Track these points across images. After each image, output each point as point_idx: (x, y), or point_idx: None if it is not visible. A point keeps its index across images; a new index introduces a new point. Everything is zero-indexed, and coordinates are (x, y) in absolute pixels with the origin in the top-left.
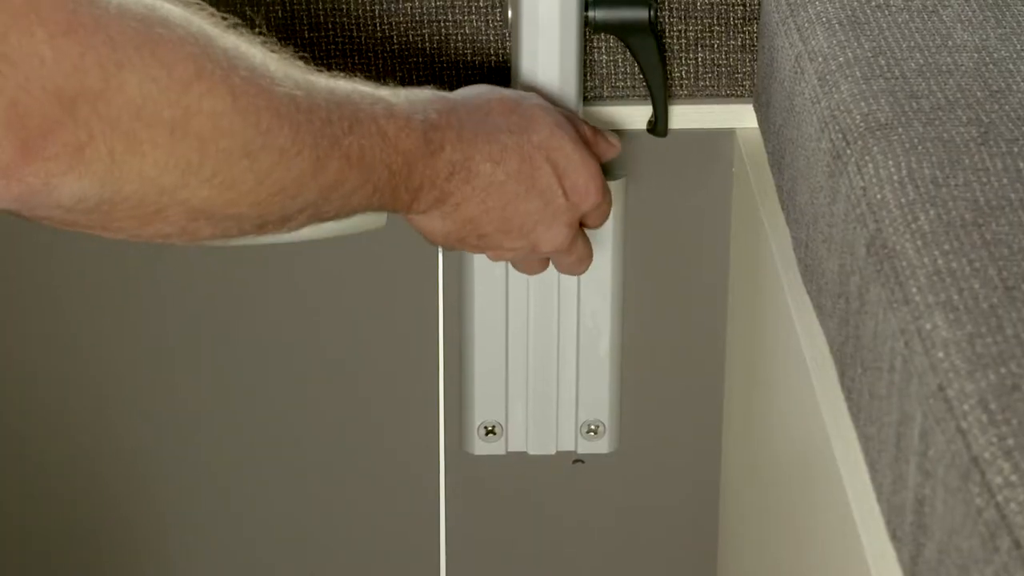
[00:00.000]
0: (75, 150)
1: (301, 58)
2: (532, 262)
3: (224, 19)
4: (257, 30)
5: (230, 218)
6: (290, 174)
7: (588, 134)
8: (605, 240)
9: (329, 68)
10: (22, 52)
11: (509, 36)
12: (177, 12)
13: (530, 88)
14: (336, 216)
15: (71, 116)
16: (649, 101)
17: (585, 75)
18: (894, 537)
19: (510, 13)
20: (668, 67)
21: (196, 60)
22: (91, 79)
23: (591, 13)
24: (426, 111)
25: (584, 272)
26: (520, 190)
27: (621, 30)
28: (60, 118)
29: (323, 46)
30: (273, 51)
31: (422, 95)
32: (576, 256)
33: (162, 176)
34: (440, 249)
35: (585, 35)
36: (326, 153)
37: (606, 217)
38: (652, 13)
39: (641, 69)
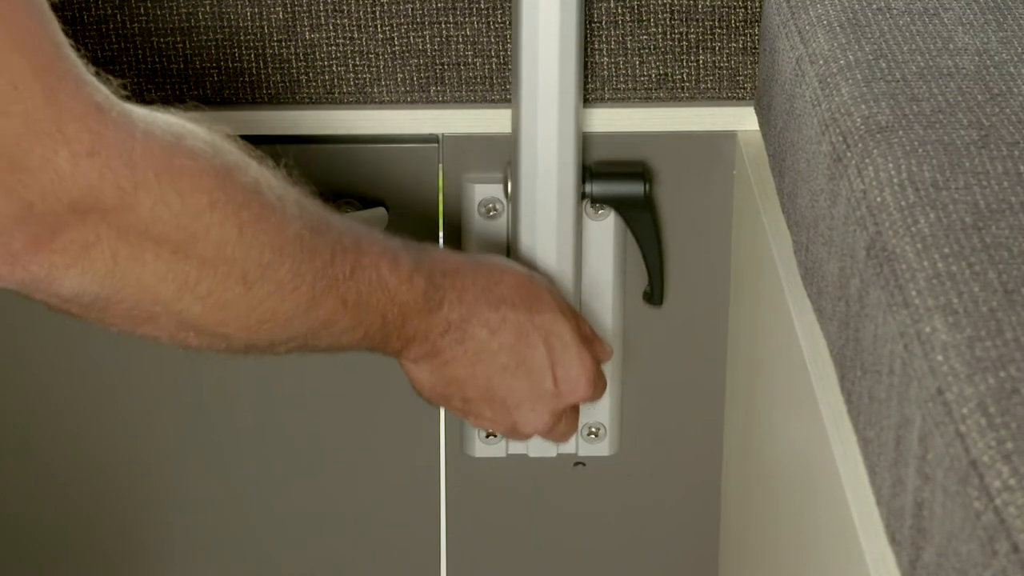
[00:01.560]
0: (81, 248)
1: (303, 60)
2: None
3: (251, 150)
4: (283, 164)
5: (219, 336)
6: (283, 307)
7: (588, 332)
8: (606, 243)
9: (330, 70)
10: (43, 166)
11: (510, 38)
12: (202, 143)
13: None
14: (325, 350)
15: (82, 220)
16: (649, 105)
17: (586, 77)
18: (893, 540)
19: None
20: (669, 69)
21: (212, 193)
22: (107, 196)
23: (588, 187)
24: (432, 269)
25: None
26: (511, 364)
27: (617, 203)
28: (71, 221)
29: (324, 47)
30: (292, 186)
31: (433, 252)
32: (555, 436)
33: (159, 287)
34: (441, 246)
35: (586, 39)
36: (322, 293)
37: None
38: (647, 187)
39: (637, 240)
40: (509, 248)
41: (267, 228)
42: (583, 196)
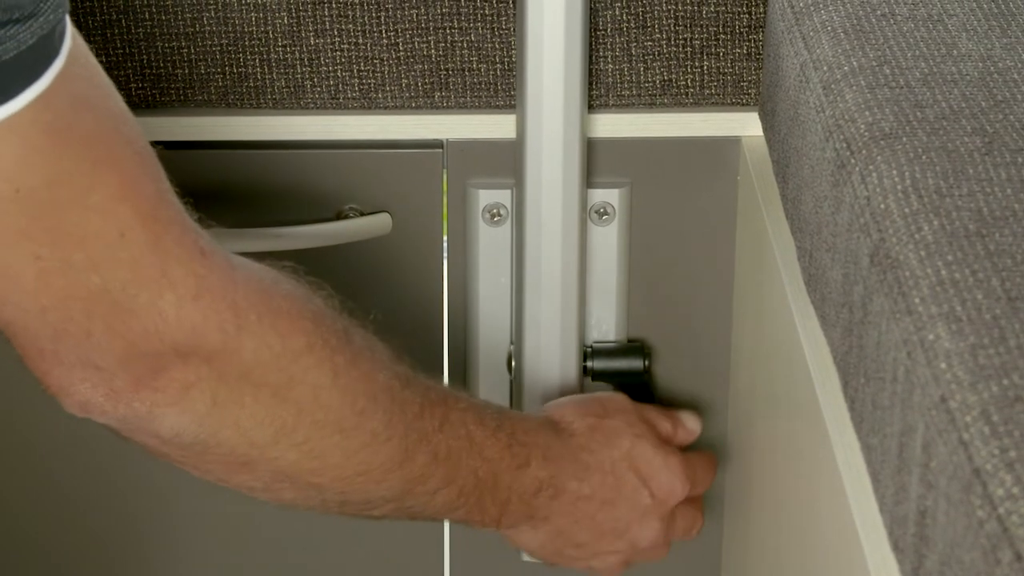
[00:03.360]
0: (182, 388)
1: (307, 66)
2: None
3: (340, 303)
4: (371, 318)
5: (313, 487)
6: (377, 458)
7: (668, 430)
8: (610, 248)
9: (335, 75)
10: (149, 310)
11: (515, 44)
12: (299, 290)
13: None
14: (420, 516)
15: (184, 361)
16: (654, 111)
17: (590, 83)
18: (896, 548)
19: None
20: (674, 75)
21: (308, 335)
22: (210, 339)
23: (590, 363)
24: (513, 426)
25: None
26: (607, 499)
27: (618, 378)
28: (174, 362)
29: (329, 52)
30: (379, 342)
31: (511, 412)
32: (679, 535)
33: (256, 430)
34: (445, 256)
35: (590, 45)
36: (415, 445)
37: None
38: (646, 363)
39: None
40: (514, 253)
41: (360, 375)
42: (585, 372)
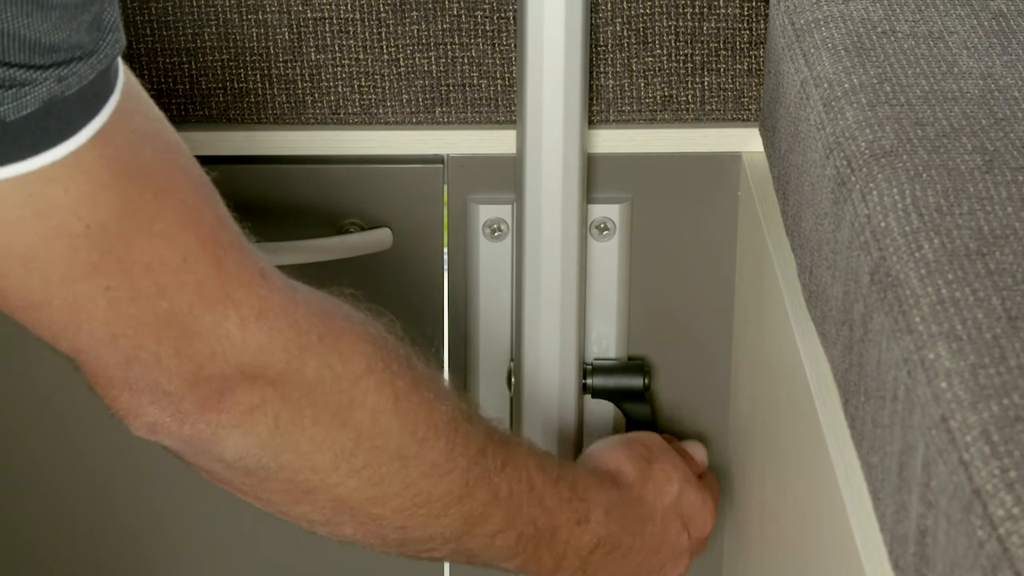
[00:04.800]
0: (247, 409)
1: (308, 81)
2: None
3: (403, 330)
4: (434, 351)
5: (372, 519)
6: (437, 490)
7: (700, 466)
8: (610, 263)
9: (336, 90)
10: (215, 332)
11: (515, 60)
12: (358, 314)
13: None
14: (477, 560)
15: (250, 383)
16: (654, 126)
17: (591, 98)
18: (896, 567)
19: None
20: (674, 91)
21: (368, 358)
22: (275, 360)
23: (589, 380)
24: (575, 478)
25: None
26: (653, 547)
27: (617, 395)
28: (240, 383)
29: (330, 68)
30: (442, 376)
31: (571, 463)
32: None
33: (316, 454)
34: (445, 271)
35: (591, 60)
36: (475, 482)
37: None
38: (646, 381)
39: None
40: (514, 269)
41: (421, 402)
42: (584, 390)
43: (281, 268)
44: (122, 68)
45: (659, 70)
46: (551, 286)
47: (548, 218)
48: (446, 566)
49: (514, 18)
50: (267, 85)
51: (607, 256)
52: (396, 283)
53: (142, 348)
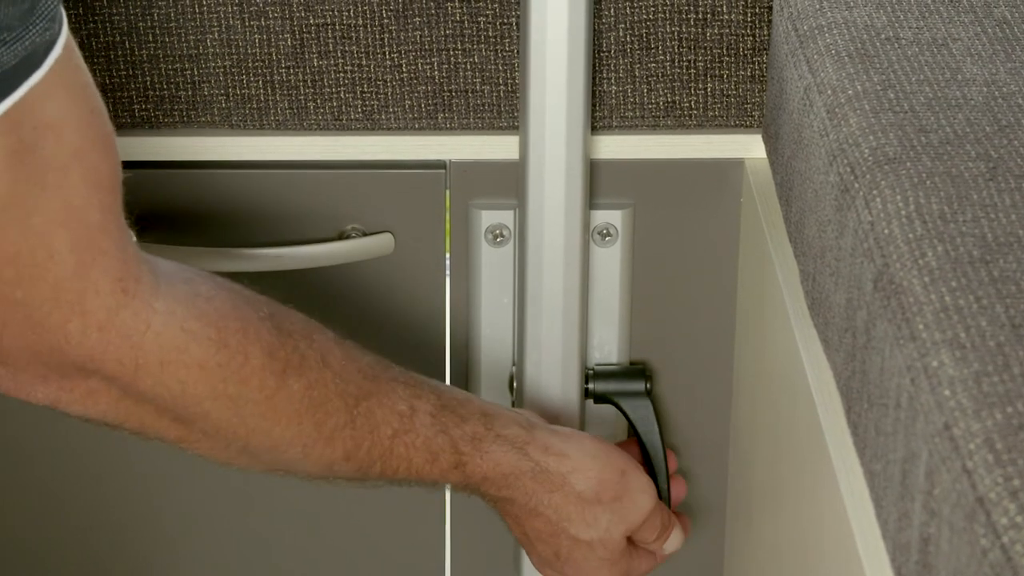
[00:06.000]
0: (85, 394)
1: (311, 87)
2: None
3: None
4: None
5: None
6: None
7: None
8: (613, 269)
9: (338, 96)
10: (58, 330)
11: (518, 66)
12: (244, 336)
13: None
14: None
15: (86, 377)
16: (657, 132)
17: (594, 104)
18: (899, 575)
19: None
20: (677, 97)
21: (215, 387)
22: (108, 368)
23: (591, 385)
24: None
25: (675, 548)
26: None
27: (619, 398)
28: (78, 374)
29: (332, 74)
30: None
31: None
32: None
33: (163, 433)
34: (447, 276)
35: (594, 66)
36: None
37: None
38: (647, 386)
39: (639, 438)
40: (516, 274)
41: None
42: (586, 394)
43: (283, 273)
44: (55, 55)
45: (662, 76)
46: (553, 292)
47: (550, 224)
48: (448, 569)
49: (517, 23)
50: (269, 91)
51: (609, 262)
52: (398, 289)
53: None
